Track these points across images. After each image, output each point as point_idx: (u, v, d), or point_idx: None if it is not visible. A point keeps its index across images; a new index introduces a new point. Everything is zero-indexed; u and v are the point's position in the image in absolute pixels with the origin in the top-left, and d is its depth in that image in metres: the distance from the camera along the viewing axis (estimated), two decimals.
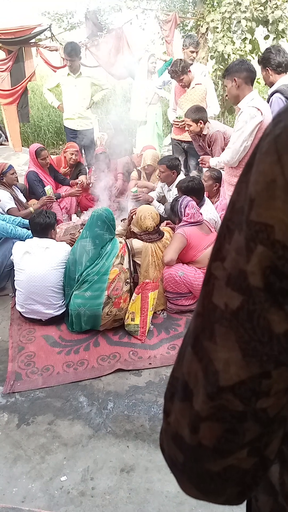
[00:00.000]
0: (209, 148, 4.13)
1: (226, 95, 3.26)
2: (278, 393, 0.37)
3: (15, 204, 3.94)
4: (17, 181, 4.17)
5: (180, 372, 0.43)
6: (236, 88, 3.03)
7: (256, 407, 0.37)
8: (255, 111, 2.93)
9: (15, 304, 3.16)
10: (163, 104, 5.86)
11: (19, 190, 4.30)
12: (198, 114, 3.98)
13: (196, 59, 6.35)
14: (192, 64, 4.83)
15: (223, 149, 3.83)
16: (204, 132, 4.05)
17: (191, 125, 4.03)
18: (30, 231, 3.33)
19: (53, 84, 5.38)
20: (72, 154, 4.90)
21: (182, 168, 4.95)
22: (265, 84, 3.79)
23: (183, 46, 5.22)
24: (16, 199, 4.02)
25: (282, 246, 0.33)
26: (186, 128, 4.15)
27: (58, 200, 4.57)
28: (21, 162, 6.99)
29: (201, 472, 0.41)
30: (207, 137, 4.05)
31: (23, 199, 4.27)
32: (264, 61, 3.49)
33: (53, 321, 3.07)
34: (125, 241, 3.14)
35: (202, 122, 4.00)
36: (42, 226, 3.03)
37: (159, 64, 5.81)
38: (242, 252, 0.35)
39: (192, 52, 5.03)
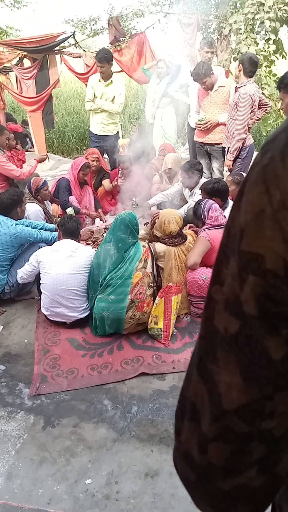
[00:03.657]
0: (234, 104, 4.14)
1: (282, 108, 3.06)
2: (282, 414, 0.37)
3: (45, 218, 4.10)
4: (50, 197, 4.32)
5: (189, 392, 0.43)
6: None
7: (261, 428, 0.37)
8: None
9: (40, 307, 3.21)
10: (186, 107, 5.86)
11: (50, 204, 4.43)
12: (242, 59, 4.07)
13: (219, 61, 6.33)
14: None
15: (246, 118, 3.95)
16: (239, 91, 4.06)
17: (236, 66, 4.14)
18: (53, 234, 3.40)
19: (90, 94, 5.35)
20: (93, 160, 4.98)
21: (205, 170, 4.93)
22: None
23: (199, 48, 5.23)
24: (46, 213, 4.18)
25: (273, 275, 0.33)
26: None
27: (77, 214, 4.65)
28: (46, 167, 7.13)
29: (213, 491, 0.42)
30: (239, 95, 4.05)
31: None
32: None
33: (78, 324, 3.10)
34: (148, 245, 3.14)
35: (242, 67, 4.03)
36: (73, 230, 3.19)
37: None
38: (236, 279, 0.36)
39: (207, 52, 5.02)
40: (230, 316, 0.37)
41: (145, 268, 2.97)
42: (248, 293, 0.35)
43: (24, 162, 5.82)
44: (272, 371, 0.35)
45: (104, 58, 5.04)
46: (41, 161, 4.85)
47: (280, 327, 0.34)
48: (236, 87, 4.13)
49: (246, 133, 4.21)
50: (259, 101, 4.17)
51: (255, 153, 4.79)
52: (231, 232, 0.38)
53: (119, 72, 7.17)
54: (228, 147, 4.44)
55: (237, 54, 6.35)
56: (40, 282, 3.09)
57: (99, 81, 5.26)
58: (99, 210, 4.96)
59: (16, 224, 3.32)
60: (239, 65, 4.05)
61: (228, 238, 0.38)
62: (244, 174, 4.02)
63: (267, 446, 0.38)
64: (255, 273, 0.34)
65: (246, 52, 6.16)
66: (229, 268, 0.37)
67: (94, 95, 5.30)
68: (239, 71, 4.04)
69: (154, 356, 2.80)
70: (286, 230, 0.32)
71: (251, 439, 0.38)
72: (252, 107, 4.05)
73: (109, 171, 5.36)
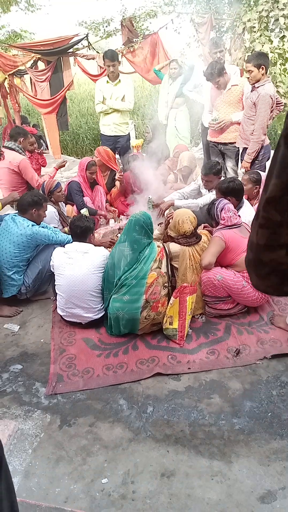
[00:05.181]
0: (253, 105, 4.08)
1: None
2: None
3: (60, 219, 4.13)
4: (64, 198, 4.35)
5: None
6: None
7: None
8: None
9: (56, 307, 3.25)
10: (199, 107, 5.85)
11: (64, 206, 4.47)
12: (261, 59, 3.90)
13: (233, 59, 6.29)
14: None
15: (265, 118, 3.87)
16: (258, 91, 3.99)
17: (252, 71, 3.97)
18: (70, 236, 3.41)
19: (99, 96, 5.41)
20: (93, 156, 5.09)
21: None
22: None
23: (208, 51, 5.21)
24: (61, 215, 4.22)
25: None
26: (247, 76, 4.06)
27: (94, 215, 4.66)
28: (60, 169, 7.17)
29: (258, 261, 0.67)
30: (257, 96, 4.00)
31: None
32: None
33: (93, 324, 3.12)
34: (163, 245, 3.14)
35: (264, 68, 3.91)
36: (82, 229, 3.11)
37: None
38: None
39: (215, 53, 5.01)
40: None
41: (160, 268, 2.97)
42: None
43: (44, 166, 5.88)
44: None
45: (116, 57, 5.16)
46: (60, 167, 4.86)
47: None
48: (254, 86, 4.07)
49: (265, 134, 4.17)
50: None
51: (272, 152, 4.75)
52: None
53: (132, 73, 7.19)
54: (244, 148, 4.41)
55: (251, 52, 6.31)
56: (55, 283, 3.12)
57: (107, 82, 5.31)
58: (112, 209, 5.00)
59: (32, 225, 3.36)
60: (260, 68, 3.92)
61: None
62: (262, 173, 3.98)
63: None
64: None
65: (260, 50, 6.11)
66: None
67: (104, 97, 5.34)
68: (263, 74, 3.96)
69: (169, 356, 2.80)
70: None
71: (282, 225, 0.61)
72: (271, 107, 4.01)
73: (122, 172, 5.38)
